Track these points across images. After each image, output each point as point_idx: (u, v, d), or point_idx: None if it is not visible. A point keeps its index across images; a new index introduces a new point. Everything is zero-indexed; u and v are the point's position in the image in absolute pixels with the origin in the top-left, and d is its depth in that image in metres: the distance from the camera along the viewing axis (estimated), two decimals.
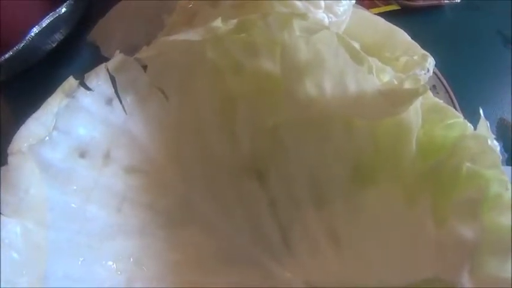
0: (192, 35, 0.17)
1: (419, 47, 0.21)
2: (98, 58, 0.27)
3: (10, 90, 0.29)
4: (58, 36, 0.29)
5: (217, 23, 0.17)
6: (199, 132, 0.19)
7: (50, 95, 0.18)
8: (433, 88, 0.24)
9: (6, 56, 0.26)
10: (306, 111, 0.19)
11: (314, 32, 0.17)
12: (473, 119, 0.17)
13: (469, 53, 0.28)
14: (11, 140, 0.18)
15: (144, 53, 0.18)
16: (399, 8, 0.29)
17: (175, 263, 0.19)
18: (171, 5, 0.24)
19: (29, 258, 0.16)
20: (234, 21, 0.17)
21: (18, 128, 0.18)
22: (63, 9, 0.27)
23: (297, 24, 0.17)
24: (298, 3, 0.20)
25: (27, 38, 0.26)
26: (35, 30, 0.27)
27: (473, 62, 0.27)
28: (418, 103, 0.17)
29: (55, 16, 0.27)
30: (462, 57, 0.27)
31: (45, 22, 0.27)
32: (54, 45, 0.29)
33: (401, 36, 0.22)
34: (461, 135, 0.17)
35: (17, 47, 0.26)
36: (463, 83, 0.24)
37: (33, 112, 0.18)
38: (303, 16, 0.17)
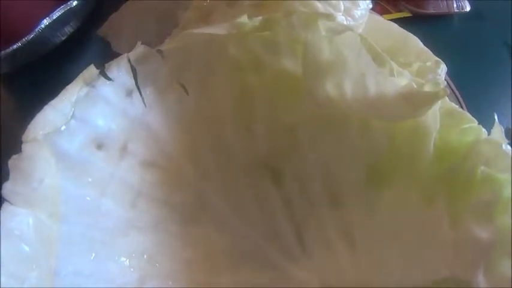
0: (216, 29, 0.17)
1: (431, 53, 0.22)
2: (107, 53, 0.27)
3: (16, 81, 0.29)
4: (68, 30, 0.28)
5: (244, 19, 0.17)
6: (217, 128, 0.19)
7: (56, 89, 0.18)
8: None
9: (15, 46, 0.25)
10: (325, 111, 0.19)
11: (339, 32, 0.17)
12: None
13: (476, 63, 0.28)
14: (13, 132, 0.17)
15: (167, 45, 0.18)
16: (410, 15, 0.30)
17: (187, 261, 0.18)
18: (184, 3, 0.24)
19: (40, 252, 0.15)
20: (259, 18, 0.17)
21: (21, 121, 0.17)
22: (75, 3, 0.27)
23: (322, 24, 0.17)
24: (318, 4, 0.20)
25: (37, 29, 0.26)
26: (45, 22, 0.26)
27: (480, 71, 0.28)
28: (436, 107, 0.17)
29: (66, 9, 0.27)
30: (469, 67, 0.28)
31: (55, 14, 0.26)
32: (63, 39, 0.28)
33: (415, 42, 0.22)
34: (476, 140, 0.17)
35: (26, 38, 0.26)
36: (470, 92, 0.24)
37: (39, 105, 0.17)
38: (328, 17, 0.17)
